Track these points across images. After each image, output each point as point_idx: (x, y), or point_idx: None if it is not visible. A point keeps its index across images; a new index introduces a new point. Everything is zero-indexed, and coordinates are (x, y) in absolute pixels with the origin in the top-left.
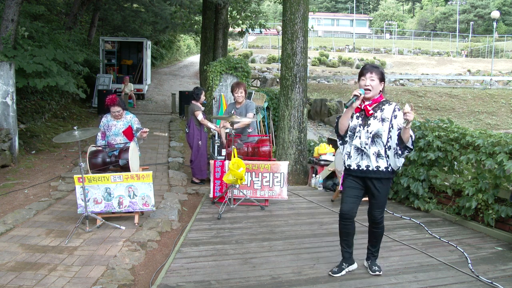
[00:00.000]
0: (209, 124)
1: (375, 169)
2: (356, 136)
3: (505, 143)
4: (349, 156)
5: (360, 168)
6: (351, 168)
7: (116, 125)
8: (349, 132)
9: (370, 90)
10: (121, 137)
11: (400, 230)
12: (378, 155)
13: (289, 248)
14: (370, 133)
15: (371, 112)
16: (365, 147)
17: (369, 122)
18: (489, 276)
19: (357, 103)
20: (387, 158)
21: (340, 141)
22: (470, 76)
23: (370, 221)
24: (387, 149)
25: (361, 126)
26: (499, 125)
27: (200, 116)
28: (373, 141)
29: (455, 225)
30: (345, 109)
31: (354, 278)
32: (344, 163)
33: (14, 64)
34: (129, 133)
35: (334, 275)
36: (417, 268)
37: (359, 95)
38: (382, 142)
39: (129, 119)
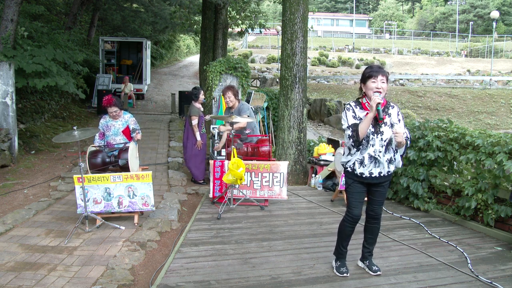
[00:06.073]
0: (197, 135)
1: (386, 174)
2: (370, 145)
3: (505, 143)
4: (362, 164)
5: (373, 176)
6: (364, 176)
7: (114, 125)
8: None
9: (380, 93)
10: (121, 136)
11: (400, 230)
12: (390, 161)
13: (288, 248)
14: (385, 141)
15: (384, 119)
16: (378, 155)
17: (381, 129)
18: (489, 276)
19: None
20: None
21: (356, 148)
22: (469, 76)
23: (370, 218)
24: (398, 151)
25: (374, 134)
26: (499, 125)
27: (194, 121)
28: (386, 149)
29: (454, 225)
30: (369, 115)
31: (354, 278)
32: (354, 170)
33: (14, 64)
34: (128, 132)
35: (348, 274)
36: (417, 268)
37: (381, 102)
38: (392, 147)
39: (127, 118)
